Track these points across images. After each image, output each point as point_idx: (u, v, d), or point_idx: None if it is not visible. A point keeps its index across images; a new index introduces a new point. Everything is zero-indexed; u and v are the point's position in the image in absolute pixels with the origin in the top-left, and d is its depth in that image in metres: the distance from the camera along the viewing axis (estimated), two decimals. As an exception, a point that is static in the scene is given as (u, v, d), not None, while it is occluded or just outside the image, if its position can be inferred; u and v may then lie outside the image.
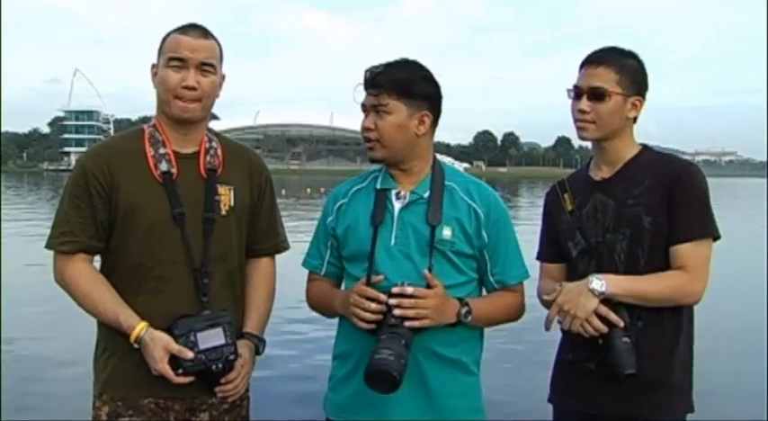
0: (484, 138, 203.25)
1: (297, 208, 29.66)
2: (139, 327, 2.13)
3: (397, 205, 2.25)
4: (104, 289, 2.21)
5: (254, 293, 2.39)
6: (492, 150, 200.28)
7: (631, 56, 2.33)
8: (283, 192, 44.57)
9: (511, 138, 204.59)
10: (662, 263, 2.23)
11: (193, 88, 2.21)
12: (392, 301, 2.07)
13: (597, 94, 2.27)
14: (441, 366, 2.21)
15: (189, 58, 2.21)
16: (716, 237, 2.26)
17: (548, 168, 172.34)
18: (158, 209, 2.21)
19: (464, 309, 2.15)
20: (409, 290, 2.07)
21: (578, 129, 2.34)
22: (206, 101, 2.26)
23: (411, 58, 2.27)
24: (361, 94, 2.24)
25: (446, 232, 2.20)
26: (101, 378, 2.26)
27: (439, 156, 2.34)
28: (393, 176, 2.30)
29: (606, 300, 2.18)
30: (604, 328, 2.15)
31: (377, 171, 2.35)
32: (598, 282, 2.17)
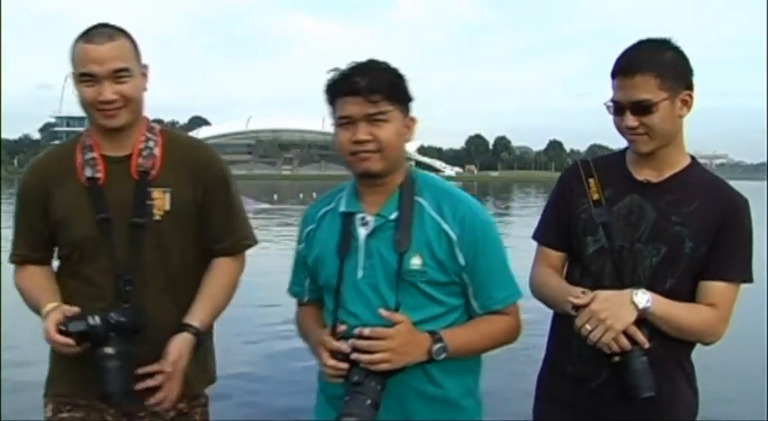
0: (476, 142, 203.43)
1: (292, 213, 29.57)
2: (47, 308, 2.10)
3: (363, 232, 2.03)
4: (38, 285, 2.22)
5: (202, 288, 2.26)
6: (484, 154, 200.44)
7: (666, 45, 2.08)
8: (275, 197, 44.58)
9: (503, 142, 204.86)
10: (686, 290, 2.08)
11: (112, 101, 2.13)
12: (351, 348, 1.90)
13: (642, 108, 2.03)
14: (425, 405, 2.02)
15: (98, 73, 2.10)
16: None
17: (539, 172, 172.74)
18: (85, 216, 2.17)
19: (436, 346, 1.93)
20: (366, 332, 1.89)
21: (631, 142, 2.12)
22: (131, 105, 2.17)
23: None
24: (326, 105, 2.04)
25: (415, 261, 1.97)
26: (48, 376, 2.30)
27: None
28: (359, 195, 2.07)
29: None
30: (629, 346, 1.98)
31: (343, 188, 2.15)
32: (643, 296, 1.99)
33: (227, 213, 2.32)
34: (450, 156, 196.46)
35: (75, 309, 2.07)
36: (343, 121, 1.98)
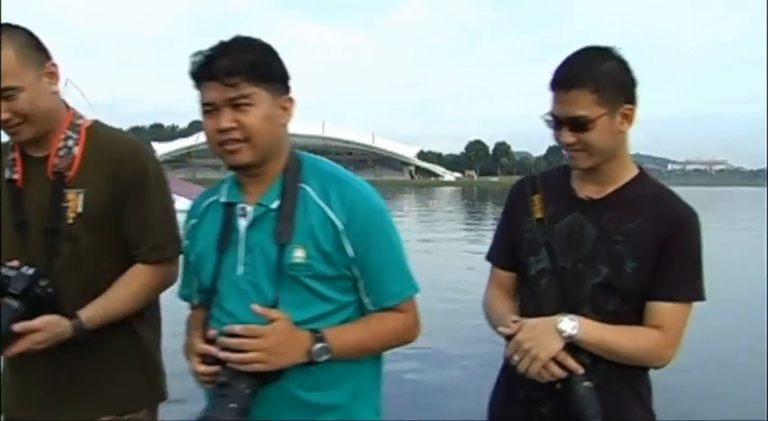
0: (475, 147, 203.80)
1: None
2: None
3: (243, 224, 1.85)
4: None
5: (108, 289, 2.10)
6: (484, 159, 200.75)
7: (606, 56, 1.95)
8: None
9: (502, 148, 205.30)
10: (630, 312, 1.96)
11: (7, 120, 2.02)
12: (219, 348, 1.73)
13: (579, 124, 1.91)
14: (305, 413, 1.82)
15: None
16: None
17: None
18: (5, 219, 2.09)
19: (317, 346, 1.75)
20: (236, 329, 1.71)
21: (570, 158, 2.01)
22: (30, 119, 2.03)
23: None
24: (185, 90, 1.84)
25: (298, 253, 1.79)
26: None
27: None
28: (241, 185, 1.90)
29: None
30: (562, 374, 1.87)
31: (229, 178, 1.97)
32: (569, 323, 1.88)
33: (144, 216, 2.13)
34: (450, 162, 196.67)
35: None
36: (206, 108, 1.80)
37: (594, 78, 1.89)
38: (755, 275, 12.62)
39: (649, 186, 2.05)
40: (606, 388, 1.91)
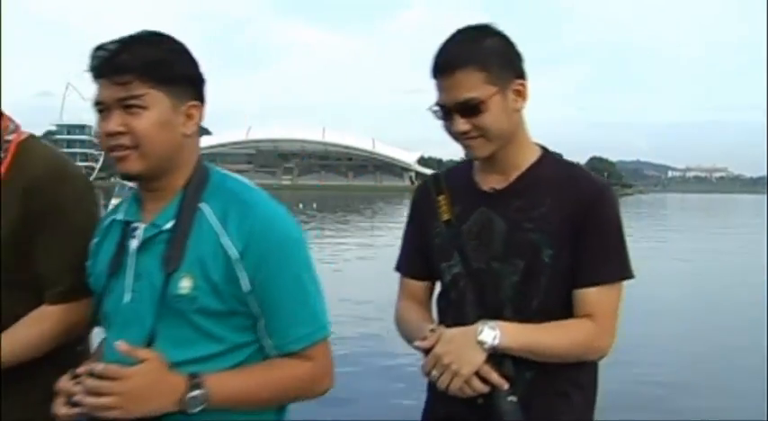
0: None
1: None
2: None
3: (134, 245, 1.62)
4: None
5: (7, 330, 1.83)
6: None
7: (486, 32, 1.79)
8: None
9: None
10: (558, 305, 1.79)
11: None
12: (77, 389, 1.49)
13: (470, 108, 1.74)
14: None
15: None
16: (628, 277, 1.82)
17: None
18: None
19: (192, 393, 1.48)
20: (97, 368, 1.47)
21: (466, 149, 1.83)
22: None
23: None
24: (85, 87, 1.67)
25: (184, 283, 1.53)
26: None
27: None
28: (141, 200, 1.67)
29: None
30: (485, 389, 1.71)
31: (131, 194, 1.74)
32: (490, 333, 1.70)
33: (51, 255, 1.85)
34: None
35: None
36: (98, 108, 1.59)
37: (479, 55, 1.74)
38: (756, 273, 12.70)
39: (554, 166, 1.88)
40: (532, 399, 1.77)
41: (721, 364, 7.85)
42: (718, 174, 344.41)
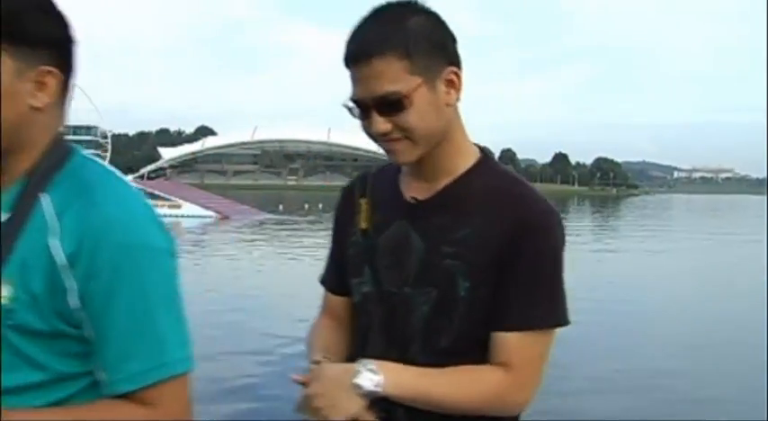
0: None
1: (300, 224, 29.62)
2: None
3: None
4: None
5: None
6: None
7: (411, 10, 1.43)
8: (281, 207, 44.70)
9: (508, 155, 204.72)
10: (473, 347, 1.45)
11: None
12: None
13: (390, 104, 1.39)
14: None
15: None
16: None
17: (545, 184, 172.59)
18: None
19: None
20: None
21: (387, 152, 1.47)
22: None
23: None
24: None
25: (3, 292, 1.19)
26: None
27: None
28: None
29: None
30: None
31: None
32: (369, 377, 1.38)
33: None
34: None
35: None
36: None
37: (401, 39, 1.38)
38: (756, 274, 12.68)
39: (493, 176, 1.51)
40: None
41: (720, 366, 7.85)
42: (724, 175, 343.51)
